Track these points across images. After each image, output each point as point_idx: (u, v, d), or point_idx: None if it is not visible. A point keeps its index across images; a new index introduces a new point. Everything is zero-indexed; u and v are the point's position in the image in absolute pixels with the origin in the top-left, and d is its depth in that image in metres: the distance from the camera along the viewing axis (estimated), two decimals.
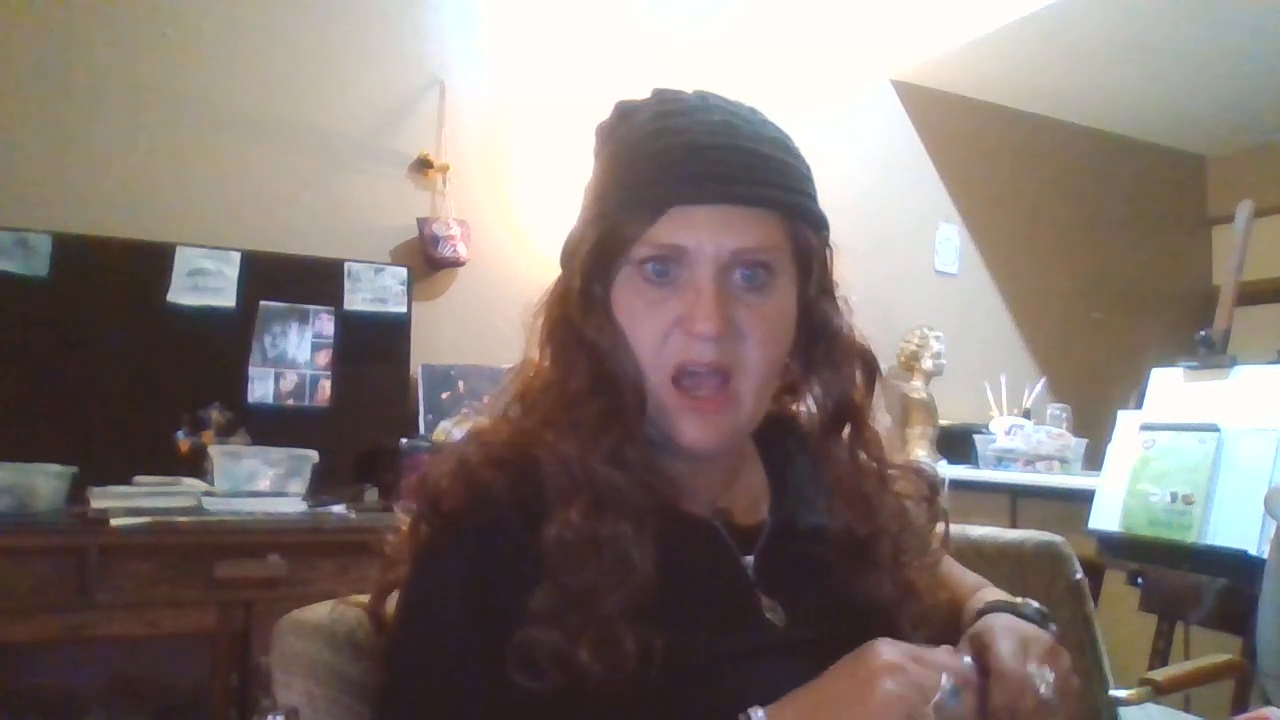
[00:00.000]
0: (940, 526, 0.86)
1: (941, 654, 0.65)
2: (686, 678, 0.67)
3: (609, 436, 0.72)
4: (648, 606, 0.67)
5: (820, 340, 0.80)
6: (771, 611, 0.75)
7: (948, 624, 0.81)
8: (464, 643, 0.68)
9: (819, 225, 0.78)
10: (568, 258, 0.78)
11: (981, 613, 0.76)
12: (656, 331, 0.73)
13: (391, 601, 0.77)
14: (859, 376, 0.82)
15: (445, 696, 0.68)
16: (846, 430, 0.83)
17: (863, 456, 0.83)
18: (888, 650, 0.62)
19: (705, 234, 0.71)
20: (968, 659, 0.68)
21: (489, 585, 0.68)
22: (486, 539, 0.69)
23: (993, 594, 0.84)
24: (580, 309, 0.74)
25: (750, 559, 0.77)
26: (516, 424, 0.76)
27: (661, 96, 0.78)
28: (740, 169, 0.72)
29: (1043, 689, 0.67)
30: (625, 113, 0.79)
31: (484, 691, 0.66)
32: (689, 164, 0.72)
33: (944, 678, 0.61)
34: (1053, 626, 0.75)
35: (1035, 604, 0.77)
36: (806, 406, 0.85)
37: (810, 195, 0.77)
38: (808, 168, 0.78)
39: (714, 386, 0.73)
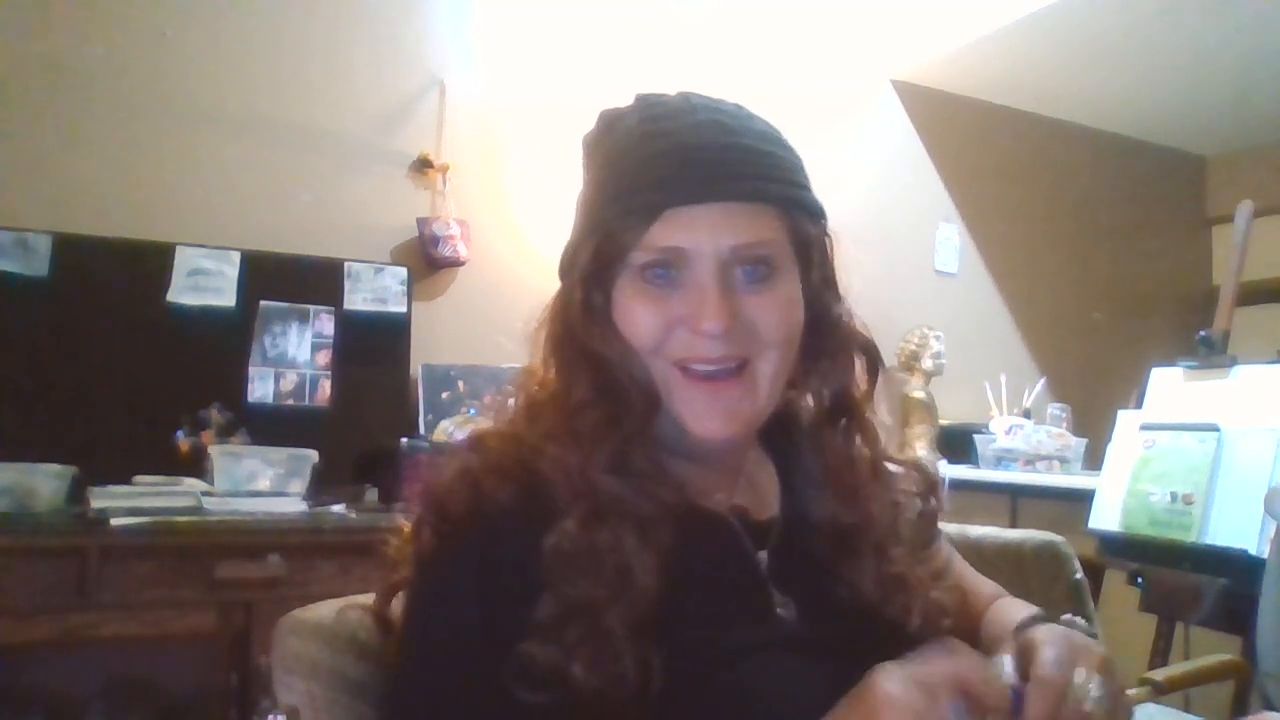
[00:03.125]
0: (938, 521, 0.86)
1: (947, 664, 0.61)
2: (701, 674, 0.67)
3: (609, 444, 0.71)
4: (653, 615, 0.66)
5: (820, 330, 0.79)
6: (783, 607, 0.75)
7: (957, 621, 0.80)
8: (471, 653, 0.67)
9: (816, 214, 0.78)
10: (566, 270, 0.78)
11: (1024, 626, 0.73)
12: (656, 326, 0.72)
13: (397, 604, 0.77)
14: (859, 367, 0.81)
15: (453, 708, 0.67)
16: (843, 421, 0.82)
17: (858, 447, 0.83)
18: (890, 685, 0.58)
19: (703, 234, 0.71)
20: (1007, 662, 0.64)
21: (494, 594, 0.68)
22: (491, 547, 0.69)
23: (1016, 603, 0.84)
24: (582, 320, 0.74)
25: (764, 555, 0.77)
26: (521, 435, 0.75)
27: (645, 102, 0.78)
28: (731, 165, 0.72)
29: (1088, 703, 0.62)
30: (610, 122, 0.78)
31: (492, 702, 0.65)
32: (680, 165, 0.72)
33: (951, 709, 0.57)
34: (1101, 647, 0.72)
35: (1082, 621, 0.75)
36: (807, 399, 0.85)
37: (803, 185, 0.77)
38: (798, 158, 0.78)
39: (729, 372, 0.73)
